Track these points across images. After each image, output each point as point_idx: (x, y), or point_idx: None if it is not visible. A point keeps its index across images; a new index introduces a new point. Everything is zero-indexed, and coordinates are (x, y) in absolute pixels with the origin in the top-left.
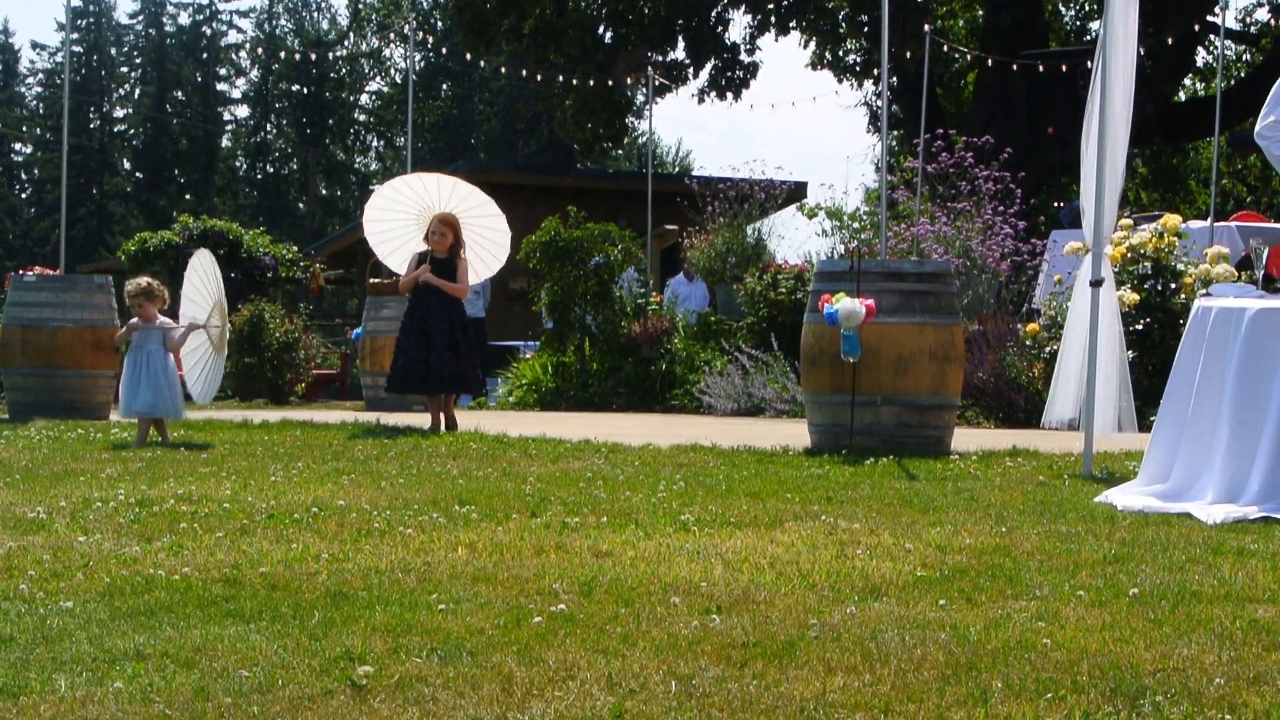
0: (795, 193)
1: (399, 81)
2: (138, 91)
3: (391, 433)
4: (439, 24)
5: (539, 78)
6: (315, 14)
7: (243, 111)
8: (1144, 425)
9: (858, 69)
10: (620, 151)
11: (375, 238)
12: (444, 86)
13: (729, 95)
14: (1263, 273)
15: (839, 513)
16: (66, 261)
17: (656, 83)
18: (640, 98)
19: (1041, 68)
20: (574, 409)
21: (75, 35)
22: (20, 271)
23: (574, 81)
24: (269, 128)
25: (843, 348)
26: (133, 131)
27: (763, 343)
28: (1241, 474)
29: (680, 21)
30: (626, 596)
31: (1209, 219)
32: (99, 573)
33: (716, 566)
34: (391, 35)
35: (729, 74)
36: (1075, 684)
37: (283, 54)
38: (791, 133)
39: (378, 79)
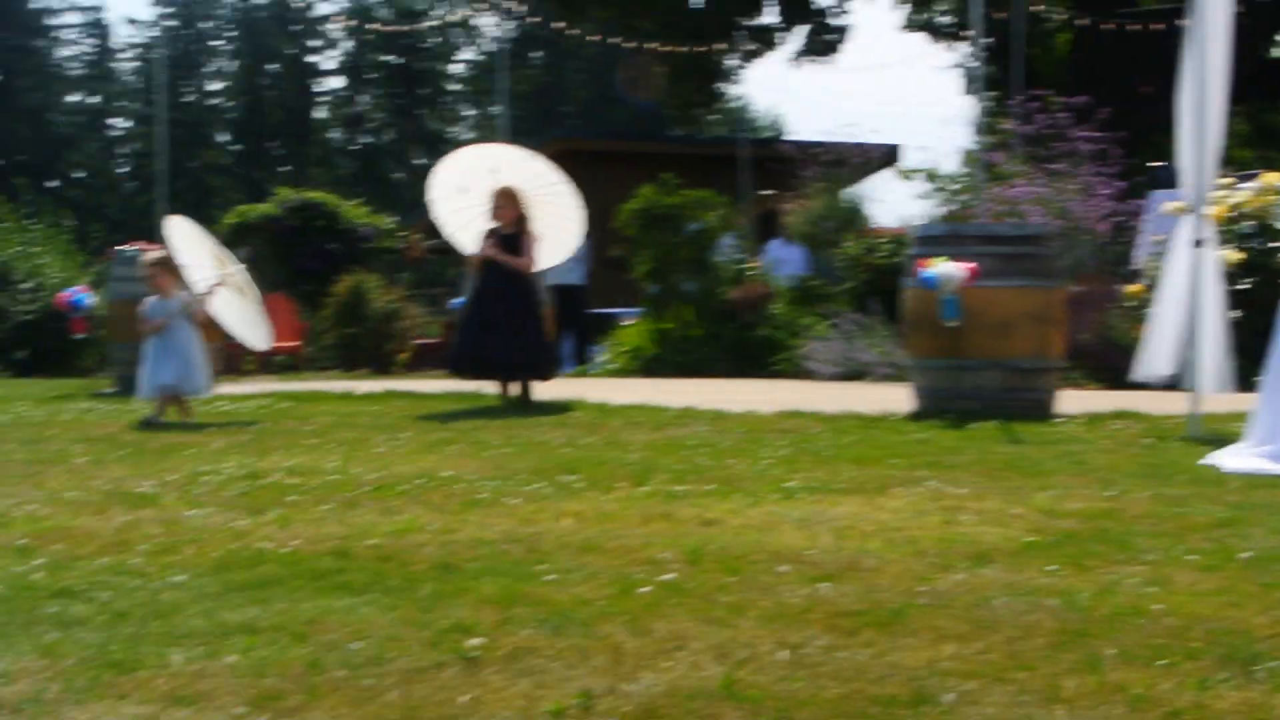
0: (889, 156)
1: (490, 50)
2: (232, 65)
3: (493, 401)
4: None
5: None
6: None
7: (336, 83)
8: (1250, 386)
9: (950, 30)
10: (718, 116)
11: (443, 216)
12: (535, 55)
13: (821, 59)
14: None
15: (945, 478)
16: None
17: (746, 48)
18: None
19: (1137, 26)
20: (676, 375)
21: (169, 9)
22: (124, 248)
23: (660, 48)
24: (363, 99)
25: (943, 312)
26: (229, 105)
27: (862, 307)
28: None
29: None
30: (734, 565)
31: None
32: (209, 546)
33: (823, 534)
34: (484, 3)
35: (820, 37)
36: (1188, 650)
37: (373, 26)
38: (884, 96)
39: (470, 48)
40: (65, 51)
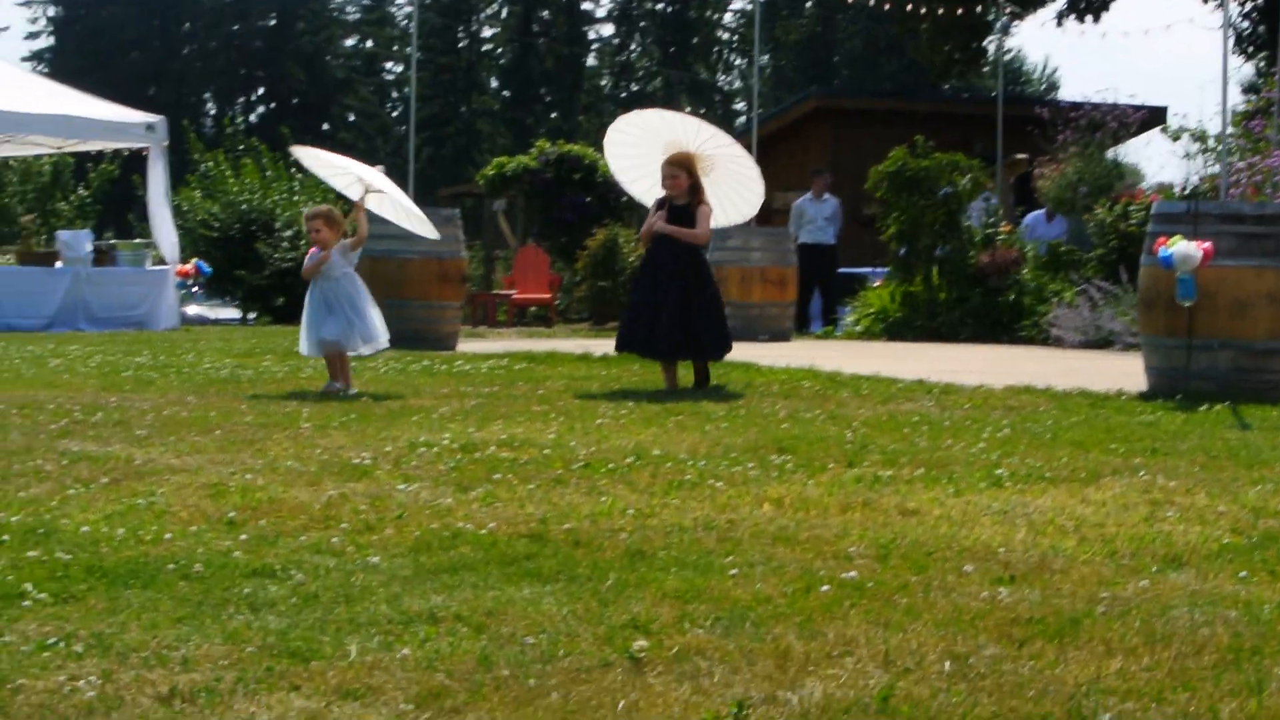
0: (1152, 119)
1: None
2: (504, 11)
3: (726, 367)
4: None
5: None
6: None
7: (607, 30)
8: None
9: None
10: (986, 69)
11: (623, 174)
12: (807, 4)
13: (1087, 18)
14: None
15: (1160, 466)
16: (431, 181)
17: (1010, 9)
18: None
19: None
20: (920, 339)
21: None
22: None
23: (924, 10)
24: (633, 46)
25: (1178, 291)
26: (500, 51)
27: (1112, 274)
28: None
29: None
30: (921, 562)
31: None
32: (410, 525)
33: (1019, 529)
34: None
35: None
36: None
37: None
38: (1151, 56)
39: None
40: None
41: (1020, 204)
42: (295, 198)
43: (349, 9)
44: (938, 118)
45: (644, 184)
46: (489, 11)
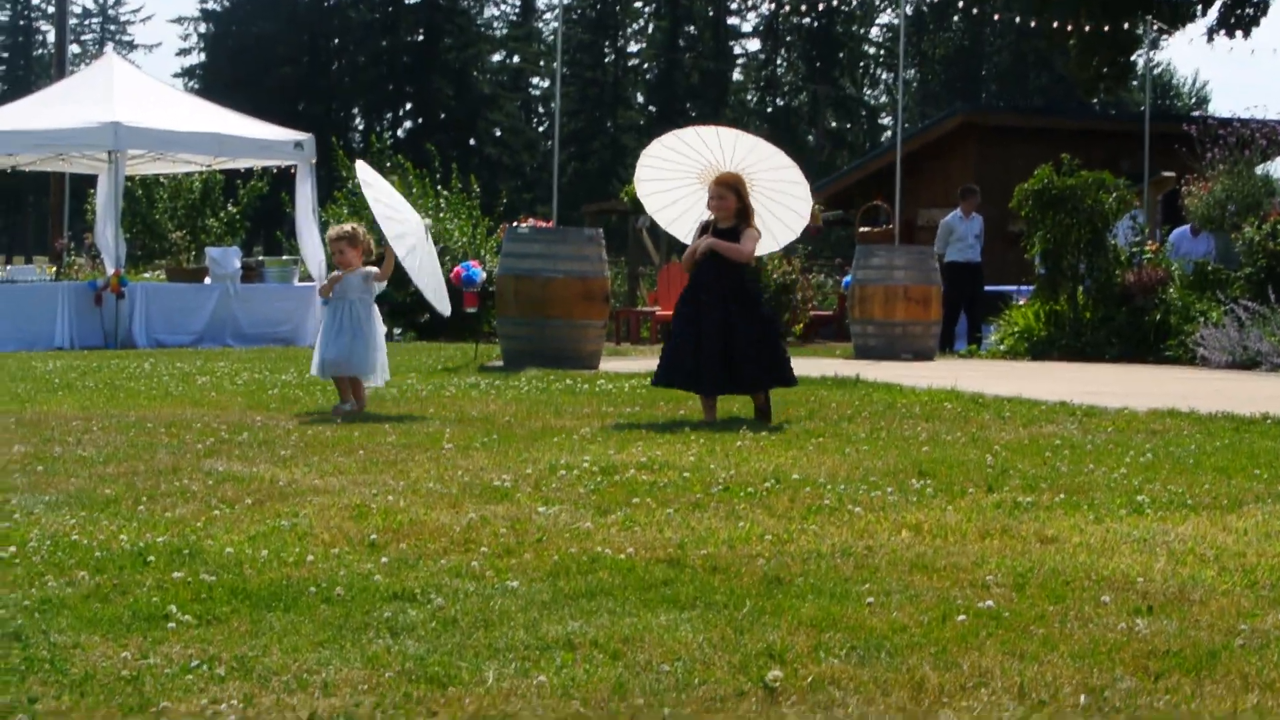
0: None
1: (909, 14)
2: (650, 26)
3: (868, 388)
4: None
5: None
6: None
7: (753, 45)
8: None
9: None
10: (1134, 83)
11: (653, 202)
12: (954, 19)
13: (1238, 33)
14: None
15: None
16: (575, 196)
17: (1159, 25)
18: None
19: None
20: (1064, 358)
21: None
22: (515, 224)
23: (1071, 26)
24: (779, 61)
25: None
26: (646, 66)
27: (1260, 294)
28: None
29: None
30: (1058, 592)
31: None
32: (549, 549)
33: (1159, 558)
34: None
35: (1238, 11)
36: None
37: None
38: None
39: (888, 11)
40: (490, 11)
41: (1166, 222)
42: (441, 214)
43: (496, 24)
44: (1085, 134)
45: (673, 212)
46: (635, 27)
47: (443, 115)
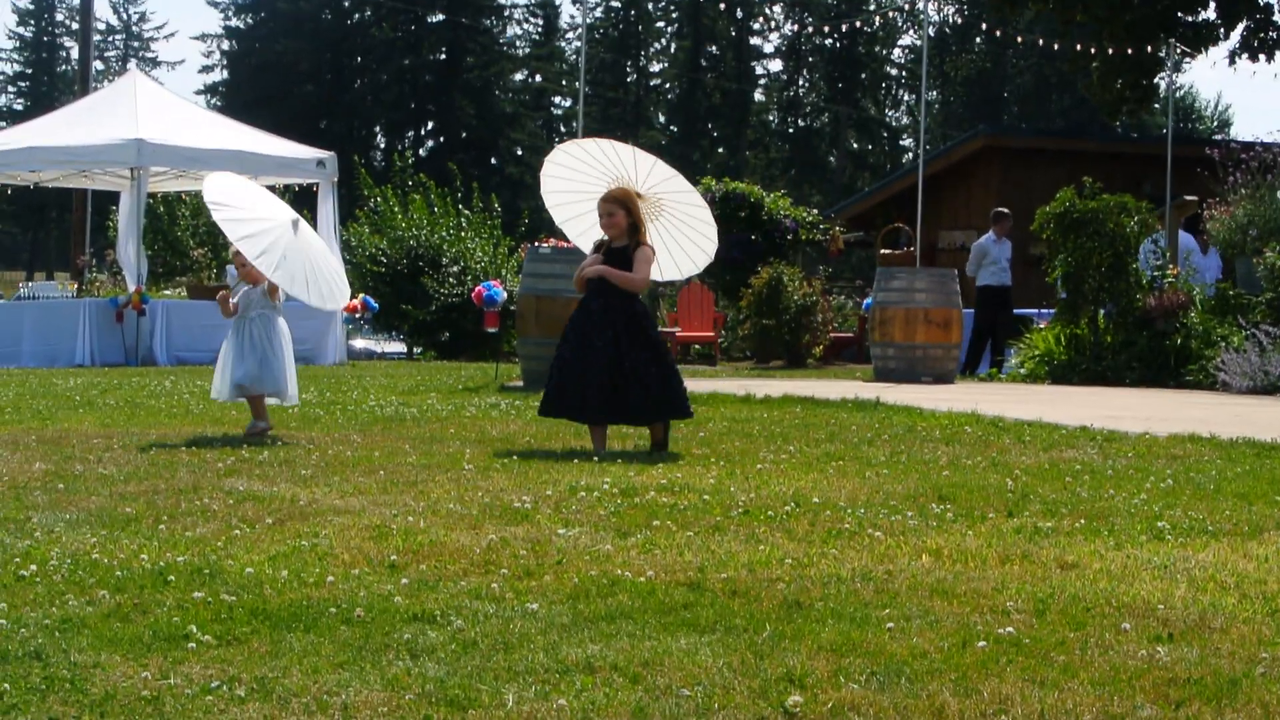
0: None
1: (931, 35)
2: (673, 46)
3: (888, 411)
4: None
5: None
6: None
7: (775, 65)
8: None
9: None
10: (1157, 105)
11: (560, 213)
12: (977, 40)
13: (1261, 57)
14: None
15: None
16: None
17: (1181, 49)
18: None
19: None
20: (1085, 383)
21: None
22: (537, 244)
23: (1094, 48)
24: (801, 82)
25: None
26: (667, 86)
27: None
28: None
29: None
30: (1079, 619)
31: None
32: (569, 572)
33: (1179, 585)
34: None
35: (1261, 35)
36: None
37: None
38: None
39: (911, 32)
40: (513, 30)
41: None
42: (463, 234)
43: (518, 43)
44: (1107, 157)
45: (580, 225)
46: (657, 46)
47: (464, 134)
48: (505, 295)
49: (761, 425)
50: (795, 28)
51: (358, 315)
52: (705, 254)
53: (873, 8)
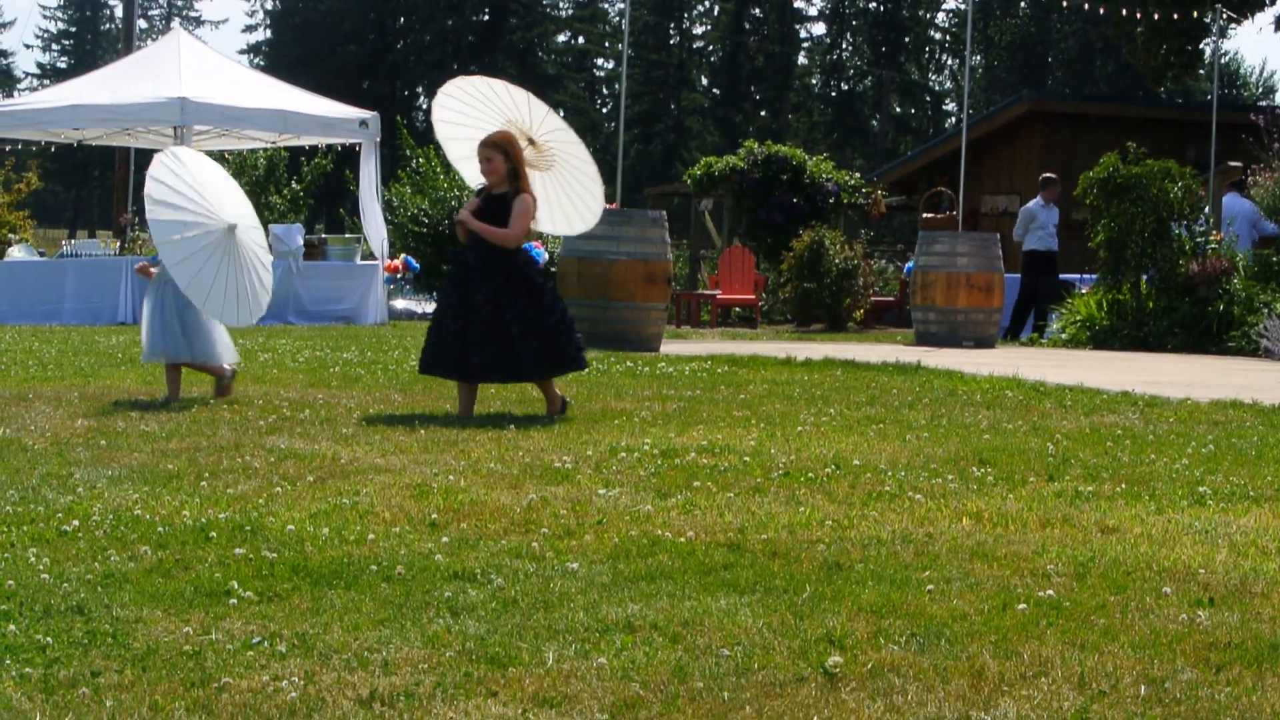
0: None
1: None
2: (716, 9)
3: (929, 375)
4: None
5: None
6: None
7: (819, 29)
8: None
9: None
10: (1201, 71)
11: (453, 149)
12: (1021, 4)
13: None
14: None
15: None
16: (638, 178)
17: (1224, 16)
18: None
19: None
20: (1126, 348)
21: None
22: None
23: (1139, 14)
24: (844, 45)
25: None
26: (710, 49)
27: None
28: None
29: None
30: (1119, 582)
31: None
32: (609, 531)
33: (1220, 549)
34: None
35: None
36: None
37: None
38: None
39: None
40: None
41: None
42: None
43: (561, 4)
44: (1151, 123)
45: (474, 164)
46: (701, 9)
47: None
48: (547, 256)
49: (802, 388)
50: None
51: (399, 275)
52: (593, 213)
53: None
